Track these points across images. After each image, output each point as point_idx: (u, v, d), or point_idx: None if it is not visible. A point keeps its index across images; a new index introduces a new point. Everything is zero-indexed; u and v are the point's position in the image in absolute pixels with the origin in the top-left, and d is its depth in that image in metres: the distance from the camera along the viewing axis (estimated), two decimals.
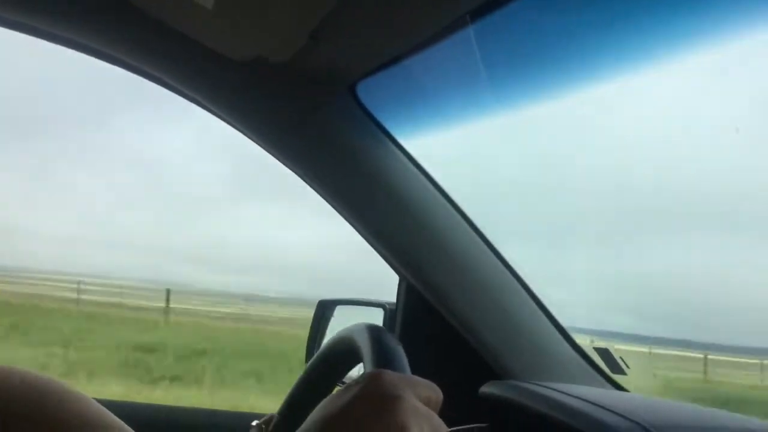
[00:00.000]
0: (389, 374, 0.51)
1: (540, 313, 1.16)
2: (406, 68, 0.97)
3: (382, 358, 0.63)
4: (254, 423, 0.83)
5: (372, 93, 1.01)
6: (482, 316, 1.12)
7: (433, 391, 0.53)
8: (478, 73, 1.00)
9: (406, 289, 1.24)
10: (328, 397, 0.50)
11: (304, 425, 0.48)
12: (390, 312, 1.32)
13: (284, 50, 0.82)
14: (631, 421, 0.68)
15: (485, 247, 1.11)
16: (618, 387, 1.21)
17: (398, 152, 1.06)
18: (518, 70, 1.01)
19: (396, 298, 1.26)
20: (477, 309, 1.12)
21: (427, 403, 0.52)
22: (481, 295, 1.10)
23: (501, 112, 1.08)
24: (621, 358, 1.24)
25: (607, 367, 1.24)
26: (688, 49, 0.80)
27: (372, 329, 0.70)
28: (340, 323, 1.50)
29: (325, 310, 1.50)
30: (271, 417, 0.84)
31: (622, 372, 1.25)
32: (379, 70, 0.95)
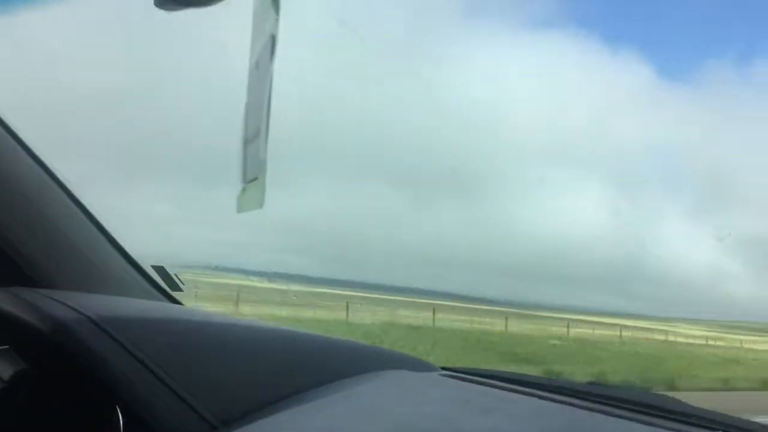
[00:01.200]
0: None
1: (91, 226, 1.16)
2: None
3: None
4: None
5: None
6: (17, 223, 1.06)
7: None
8: None
9: None
10: None
11: None
12: None
13: None
14: (82, 314, 0.72)
15: (24, 153, 1.05)
16: (174, 301, 1.29)
17: None
18: None
19: None
20: (10, 216, 1.05)
21: None
22: (13, 200, 1.04)
23: None
24: (176, 275, 1.31)
25: (165, 284, 1.30)
26: None
27: None
28: None
29: None
30: None
31: (178, 288, 1.32)
32: None
